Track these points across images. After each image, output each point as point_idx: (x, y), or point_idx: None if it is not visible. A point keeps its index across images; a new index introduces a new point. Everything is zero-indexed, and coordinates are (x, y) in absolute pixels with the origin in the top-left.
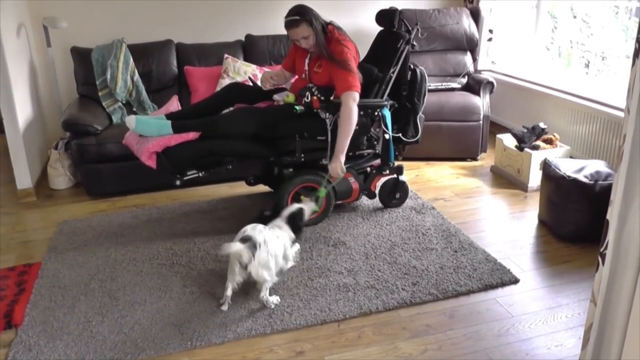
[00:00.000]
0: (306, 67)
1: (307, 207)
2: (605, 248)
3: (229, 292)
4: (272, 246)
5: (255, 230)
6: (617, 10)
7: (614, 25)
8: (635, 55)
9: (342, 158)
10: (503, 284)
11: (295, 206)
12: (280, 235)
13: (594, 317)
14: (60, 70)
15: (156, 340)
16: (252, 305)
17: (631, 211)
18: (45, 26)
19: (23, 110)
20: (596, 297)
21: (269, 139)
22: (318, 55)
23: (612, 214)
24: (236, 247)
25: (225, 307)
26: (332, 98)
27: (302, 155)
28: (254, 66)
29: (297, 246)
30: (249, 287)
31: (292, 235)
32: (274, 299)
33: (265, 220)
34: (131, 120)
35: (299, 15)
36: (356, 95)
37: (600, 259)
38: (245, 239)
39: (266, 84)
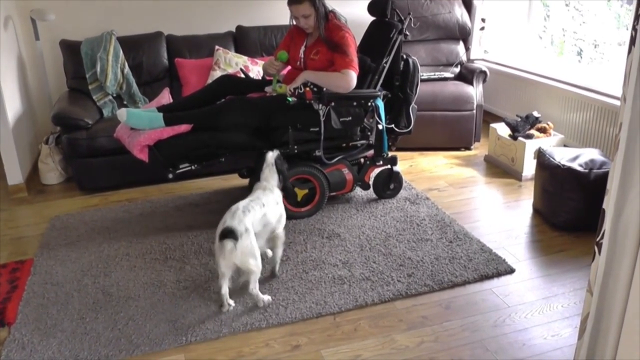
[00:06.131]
0: (302, 55)
1: (276, 153)
2: (602, 237)
3: (224, 291)
4: (258, 222)
5: (234, 219)
6: None
7: (606, 13)
8: (631, 44)
9: (305, 76)
10: (499, 274)
11: (271, 155)
12: (266, 201)
13: (590, 307)
14: (50, 63)
15: (151, 336)
16: (247, 300)
17: (628, 200)
18: (33, 19)
19: (12, 105)
20: (592, 286)
21: (262, 130)
22: (315, 42)
23: (609, 203)
24: (216, 246)
25: (225, 309)
26: (324, 90)
27: (296, 146)
28: (245, 57)
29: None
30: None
31: (279, 191)
32: (266, 298)
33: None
34: (122, 113)
35: None
36: (354, 75)
37: (596, 248)
38: (226, 232)
39: (270, 70)
